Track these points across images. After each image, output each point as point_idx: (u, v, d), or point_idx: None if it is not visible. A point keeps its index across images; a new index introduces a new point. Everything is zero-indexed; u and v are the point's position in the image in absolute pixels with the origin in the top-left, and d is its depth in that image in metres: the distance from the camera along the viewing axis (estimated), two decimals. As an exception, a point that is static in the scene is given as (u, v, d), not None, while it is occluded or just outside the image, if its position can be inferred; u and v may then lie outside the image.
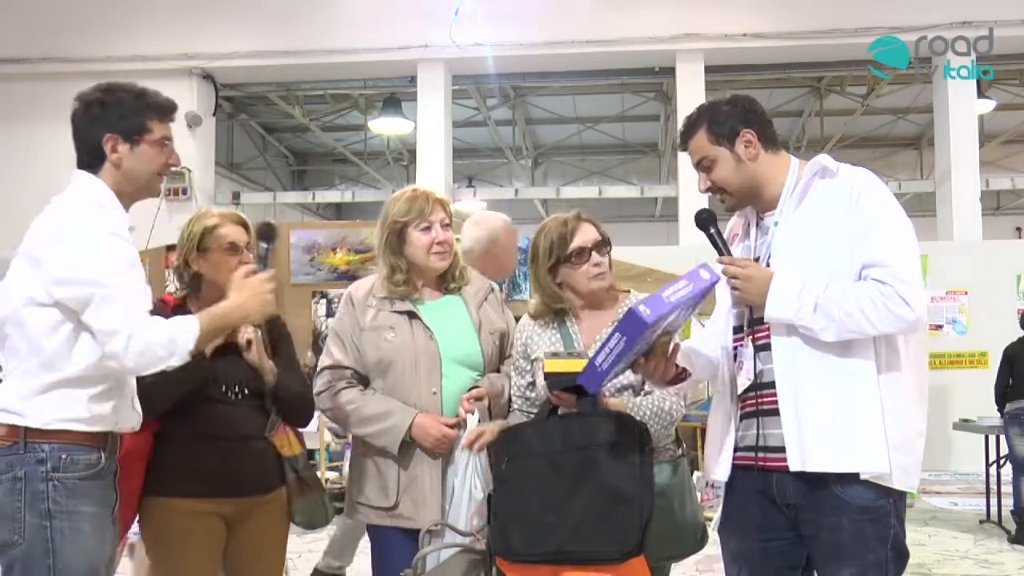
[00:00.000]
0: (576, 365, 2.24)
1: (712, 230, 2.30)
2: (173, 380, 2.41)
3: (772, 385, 2.23)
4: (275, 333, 2.81)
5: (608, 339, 2.10)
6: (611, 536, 2.19)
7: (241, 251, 2.66)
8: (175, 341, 2.15)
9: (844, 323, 2.12)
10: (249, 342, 2.67)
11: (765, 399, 2.25)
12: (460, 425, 2.60)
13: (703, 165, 2.31)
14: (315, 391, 2.73)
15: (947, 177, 10.48)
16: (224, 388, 2.63)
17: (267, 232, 2.52)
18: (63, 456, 2.16)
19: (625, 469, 2.24)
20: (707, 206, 2.38)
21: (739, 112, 2.30)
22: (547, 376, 2.36)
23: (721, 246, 2.30)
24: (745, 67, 10.86)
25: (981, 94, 11.15)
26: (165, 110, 2.35)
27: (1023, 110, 13.15)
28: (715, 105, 2.34)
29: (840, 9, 10.20)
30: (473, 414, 2.59)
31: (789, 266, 2.22)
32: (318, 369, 2.75)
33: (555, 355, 2.43)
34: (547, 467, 2.32)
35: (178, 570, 2.59)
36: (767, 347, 2.24)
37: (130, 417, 2.33)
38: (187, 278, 2.72)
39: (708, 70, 10.58)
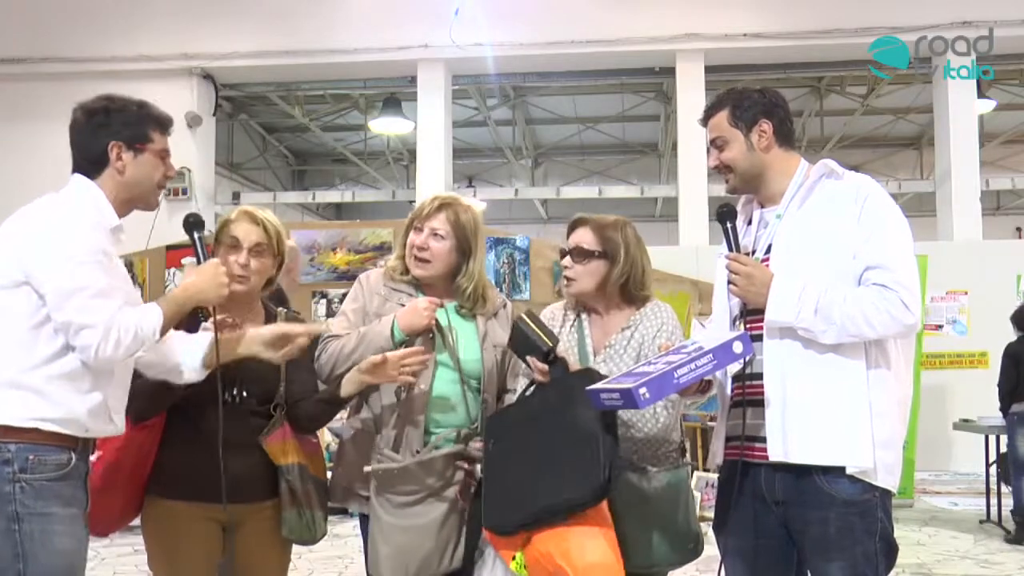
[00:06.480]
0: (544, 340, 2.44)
1: (729, 224, 2.37)
2: (166, 387, 2.42)
3: (760, 376, 2.27)
4: None
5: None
6: (581, 477, 2.22)
7: (241, 249, 2.60)
8: (141, 331, 2.15)
9: (845, 326, 2.17)
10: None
11: (751, 389, 2.30)
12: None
13: (716, 143, 2.40)
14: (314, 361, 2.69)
15: (947, 177, 10.48)
16: (223, 389, 2.51)
17: (192, 223, 2.50)
18: (30, 457, 2.08)
19: (589, 412, 2.27)
20: (715, 194, 2.47)
21: (764, 103, 2.38)
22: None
23: (732, 242, 2.36)
24: (745, 67, 10.85)
25: (981, 94, 11.14)
26: (165, 123, 2.42)
27: (1023, 110, 13.15)
28: (744, 91, 2.43)
29: (840, 9, 10.20)
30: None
31: (789, 259, 2.28)
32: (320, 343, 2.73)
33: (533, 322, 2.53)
34: (526, 436, 2.39)
35: (173, 571, 2.57)
36: (759, 338, 2.28)
37: (104, 427, 2.25)
38: None
39: (708, 70, 10.58)
